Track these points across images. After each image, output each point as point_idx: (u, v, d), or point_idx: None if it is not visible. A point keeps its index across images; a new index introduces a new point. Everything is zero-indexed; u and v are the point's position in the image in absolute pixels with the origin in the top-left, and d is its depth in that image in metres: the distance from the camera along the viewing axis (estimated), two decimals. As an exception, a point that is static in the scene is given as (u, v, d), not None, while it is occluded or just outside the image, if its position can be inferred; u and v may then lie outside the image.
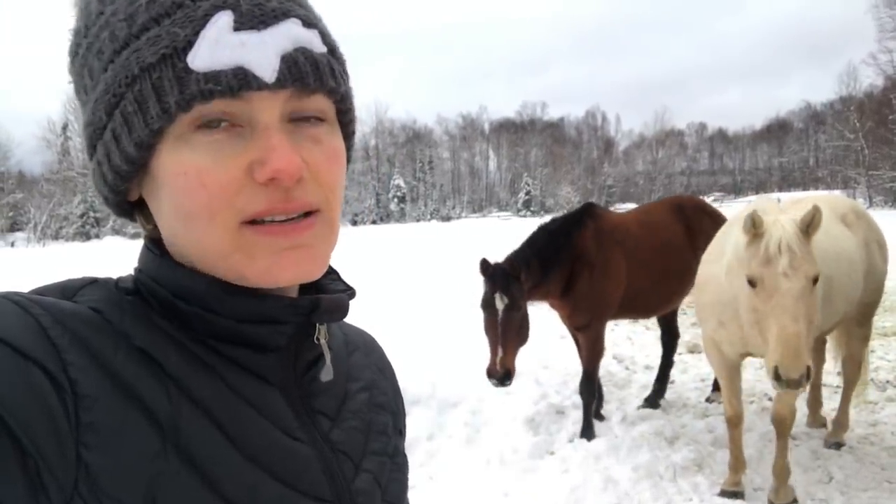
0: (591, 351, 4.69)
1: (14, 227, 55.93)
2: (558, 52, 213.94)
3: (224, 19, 0.53)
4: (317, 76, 0.56)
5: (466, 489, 3.85)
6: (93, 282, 0.59)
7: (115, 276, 0.64)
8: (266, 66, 0.53)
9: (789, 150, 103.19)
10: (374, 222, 70.36)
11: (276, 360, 0.63)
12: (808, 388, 3.04)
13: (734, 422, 3.73)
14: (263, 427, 0.59)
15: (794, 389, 2.97)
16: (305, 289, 0.68)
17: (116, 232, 50.39)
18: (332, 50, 0.60)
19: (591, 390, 4.66)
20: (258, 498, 0.56)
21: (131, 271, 0.64)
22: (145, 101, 0.53)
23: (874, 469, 3.99)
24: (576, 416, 4.79)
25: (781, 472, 3.51)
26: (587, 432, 4.54)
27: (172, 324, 0.58)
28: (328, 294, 0.66)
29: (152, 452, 0.50)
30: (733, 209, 3.55)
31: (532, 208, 75.26)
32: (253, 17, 0.54)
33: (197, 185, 0.54)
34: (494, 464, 4.17)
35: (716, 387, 5.33)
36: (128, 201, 0.62)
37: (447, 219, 72.14)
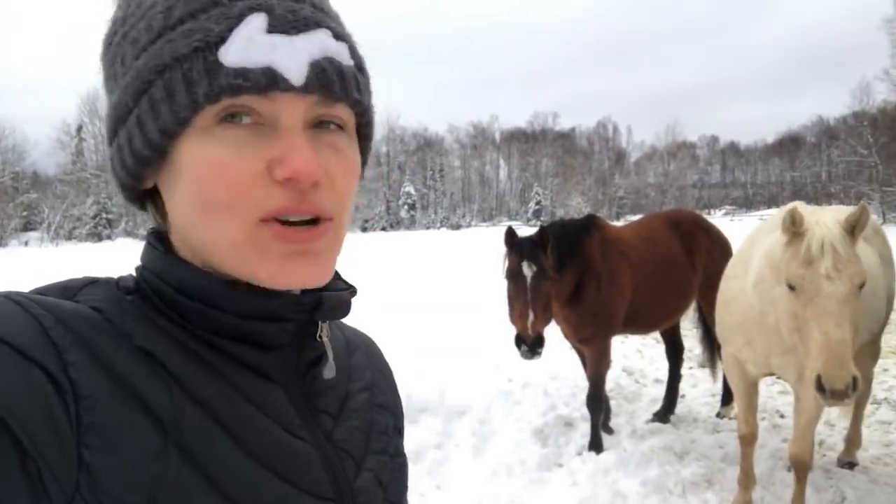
0: (598, 365, 4.63)
1: (28, 226, 56.50)
2: (571, 63, 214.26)
3: (258, 21, 0.55)
4: (342, 86, 0.58)
5: (473, 499, 3.82)
6: (93, 282, 0.60)
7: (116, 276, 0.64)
8: (294, 70, 0.55)
9: (802, 164, 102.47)
10: (384, 229, 70.47)
11: (279, 358, 0.63)
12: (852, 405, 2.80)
13: (748, 440, 3.67)
14: (266, 425, 0.59)
15: (838, 401, 2.76)
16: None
17: (128, 233, 50.79)
18: (360, 66, 0.62)
19: (598, 404, 4.61)
20: (261, 496, 0.56)
21: (132, 272, 0.65)
22: (174, 90, 0.55)
23: (888, 490, 3.92)
24: (585, 429, 4.75)
25: None
26: (595, 445, 4.50)
27: (174, 322, 0.58)
28: (330, 292, 0.66)
29: (154, 452, 0.50)
30: (745, 223, 3.49)
31: (542, 218, 75.12)
32: (286, 22, 0.56)
33: (217, 177, 0.55)
34: (502, 475, 4.14)
35: (725, 401, 5.28)
36: (142, 189, 0.63)
37: (457, 227, 72.22)
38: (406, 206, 78.91)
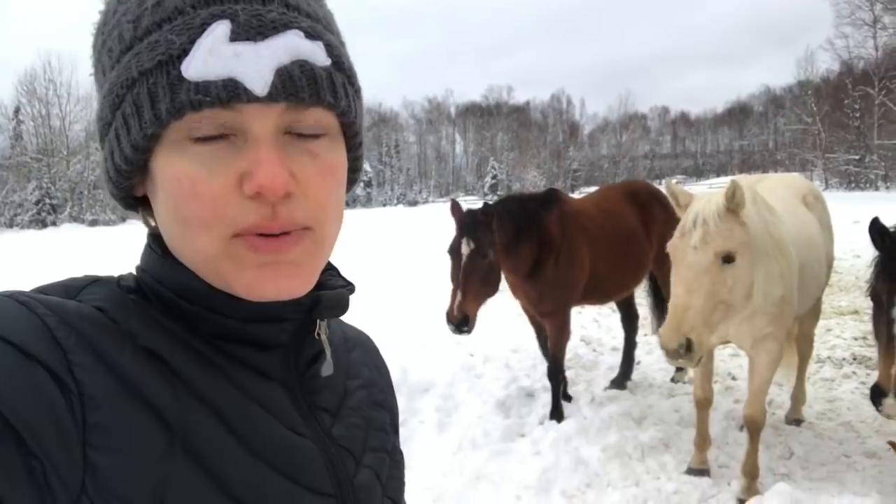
0: (558, 337, 4.71)
1: (-35, 214, 54.00)
2: (525, 36, 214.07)
3: (221, 29, 0.53)
4: (313, 90, 0.55)
5: (439, 473, 3.87)
6: (95, 281, 0.60)
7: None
8: (258, 79, 0.53)
9: (750, 133, 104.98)
10: (340, 207, 69.43)
11: (278, 357, 0.63)
12: (700, 365, 3.14)
13: (703, 404, 3.81)
14: (268, 424, 0.59)
15: (673, 360, 3.00)
16: None
17: (74, 219, 49.10)
18: (338, 63, 0.59)
19: (558, 375, 4.71)
20: (264, 494, 0.56)
21: (132, 270, 0.64)
22: (141, 106, 0.54)
23: (832, 444, 4.13)
24: (545, 399, 4.85)
25: (752, 470, 3.54)
26: (556, 414, 4.61)
27: (176, 322, 0.58)
28: (328, 290, 0.66)
29: (160, 452, 0.51)
30: (695, 192, 3.59)
31: (498, 192, 75.23)
32: (250, 29, 0.53)
33: (190, 194, 0.54)
34: (466, 447, 4.20)
35: (679, 367, 5.44)
36: (134, 196, 0.63)
37: (414, 203, 71.96)
38: (362, 184, 78.16)
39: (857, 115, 48.57)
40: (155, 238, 0.63)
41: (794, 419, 4.48)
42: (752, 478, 3.54)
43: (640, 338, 5.83)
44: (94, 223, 46.15)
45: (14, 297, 0.51)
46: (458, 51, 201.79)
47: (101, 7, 0.61)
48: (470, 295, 4.09)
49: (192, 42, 0.53)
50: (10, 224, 48.77)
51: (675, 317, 2.92)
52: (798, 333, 4.54)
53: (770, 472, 3.73)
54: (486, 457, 4.06)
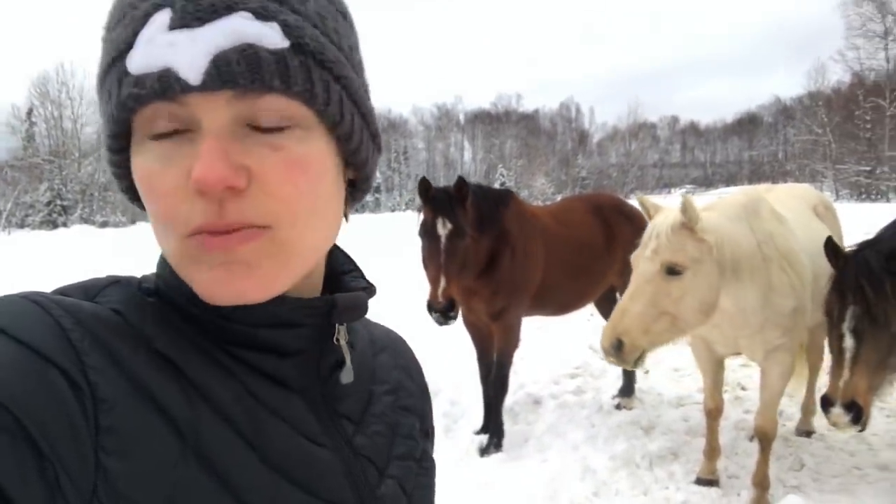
0: (508, 342, 4.41)
1: (-23, 214, 54.47)
2: (533, 44, 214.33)
3: (161, 18, 0.50)
4: (255, 75, 0.50)
5: (445, 480, 3.83)
6: (115, 282, 0.59)
7: (131, 274, 0.63)
8: (192, 67, 0.49)
9: (759, 143, 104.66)
10: (348, 212, 69.68)
11: (297, 364, 0.61)
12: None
13: (714, 415, 3.78)
14: (285, 432, 0.57)
15: (607, 358, 3.11)
16: (326, 288, 0.67)
17: (84, 220, 49.41)
18: (300, 44, 0.52)
19: (505, 385, 4.42)
20: None
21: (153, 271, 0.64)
22: (105, 105, 0.54)
23: (843, 456, 4.08)
24: (553, 406, 4.83)
25: (762, 481, 3.51)
26: (497, 432, 4.28)
27: (193, 327, 0.57)
28: (348, 292, 0.64)
29: (172, 458, 0.49)
30: (704, 201, 3.52)
31: (507, 199, 75.26)
32: (187, 15, 0.50)
33: (149, 191, 0.53)
34: (473, 453, 4.18)
35: (625, 392, 5.15)
36: None
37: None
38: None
39: (869, 126, 48.30)
40: None
41: (805, 430, 4.43)
42: (762, 489, 3.50)
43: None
44: (104, 225, 46.44)
45: (29, 298, 0.50)
46: (467, 58, 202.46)
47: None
48: (453, 280, 3.72)
49: (136, 35, 0.50)
50: (22, 224, 49.13)
51: (613, 318, 3.06)
52: (809, 344, 4.49)
53: (780, 484, 3.69)
54: (493, 464, 4.04)
